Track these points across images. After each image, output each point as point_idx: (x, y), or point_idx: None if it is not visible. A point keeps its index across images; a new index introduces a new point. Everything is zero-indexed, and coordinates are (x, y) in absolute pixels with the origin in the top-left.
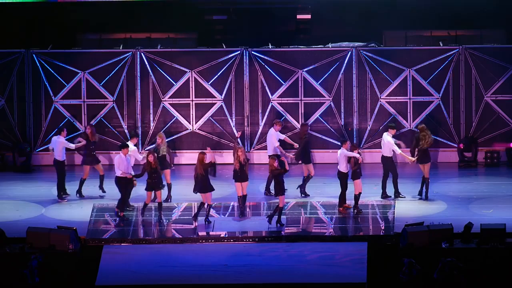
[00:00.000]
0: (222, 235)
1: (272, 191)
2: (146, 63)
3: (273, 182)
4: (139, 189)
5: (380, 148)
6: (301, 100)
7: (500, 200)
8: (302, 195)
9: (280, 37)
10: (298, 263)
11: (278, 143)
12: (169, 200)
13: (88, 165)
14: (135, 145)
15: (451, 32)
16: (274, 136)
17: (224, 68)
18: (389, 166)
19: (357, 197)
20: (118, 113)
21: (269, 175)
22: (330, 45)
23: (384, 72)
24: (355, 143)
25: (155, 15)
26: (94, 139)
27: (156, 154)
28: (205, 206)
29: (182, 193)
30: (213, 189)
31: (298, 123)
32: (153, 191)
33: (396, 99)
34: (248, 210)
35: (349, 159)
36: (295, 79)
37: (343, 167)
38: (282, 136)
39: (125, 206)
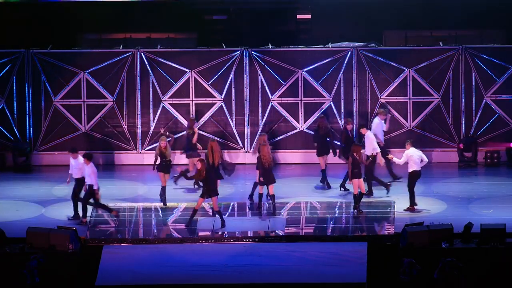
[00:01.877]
0: (222, 235)
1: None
2: (146, 63)
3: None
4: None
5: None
6: (301, 100)
7: (500, 200)
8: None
9: (280, 37)
10: (298, 263)
11: (381, 133)
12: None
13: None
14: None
15: (451, 32)
16: (380, 125)
17: (224, 68)
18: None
19: (355, 197)
20: (118, 113)
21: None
22: (330, 45)
23: (384, 72)
24: (359, 143)
25: (155, 15)
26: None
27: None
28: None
29: (182, 193)
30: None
31: (298, 123)
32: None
33: (396, 99)
34: (247, 210)
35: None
36: (295, 79)
37: (413, 167)
38: (385, 128)
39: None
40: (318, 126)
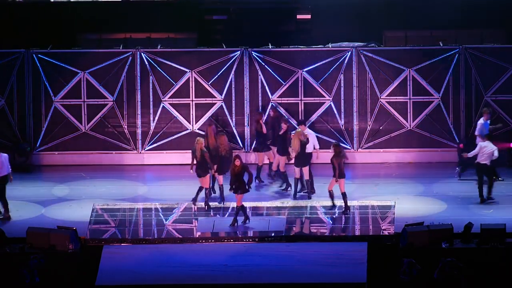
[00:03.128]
0: (222, 235)
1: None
2: (146, 63)
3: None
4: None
5: (380, 148)
6: (301, 100)
7: (500, 200)
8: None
9: (280, 37)
10: (298, 263)
11: (479, 132)
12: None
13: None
14: None
15: (451, 32)
16: (484, 126)
17: (224, 68)
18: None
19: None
20: (118, 113)
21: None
22: (330, 45)
23: (384, 72)
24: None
25: (155, 15)
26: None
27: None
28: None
29: (182, 193)
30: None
31: None
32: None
33: (396, 99)
34: (248, 210)
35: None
36: (295, 79)
37: (482, 159)
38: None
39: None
40: (272, 120)
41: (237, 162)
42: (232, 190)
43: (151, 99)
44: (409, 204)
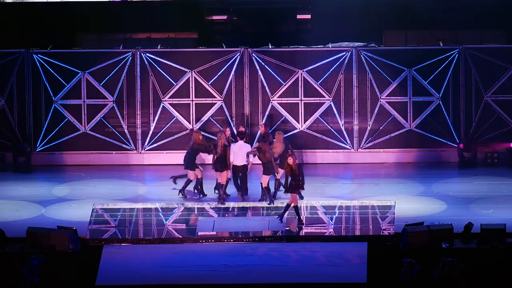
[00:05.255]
0: (222, 235)
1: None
2: (146, 63)
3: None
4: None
5: (380, 148)
6: (301, 100)
7: (500, 200)
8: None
9: (280, 37)
10: (298, 263)
11: None
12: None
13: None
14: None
15: (451, 32)
16: None
17: (224, 68)
18: None
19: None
20: (118, 113)
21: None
22: (330, 45)
23: (384, 72)
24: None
25: (155, 15)
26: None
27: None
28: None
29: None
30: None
31: (298, 123)
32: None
33: (396, 99)
34: (248, 210)
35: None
36: (295, 79)
37: None
38: None
39: None
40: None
41: (290, 161)
42: (290, 191)
43: (151, 99)
44: (409, 204)
